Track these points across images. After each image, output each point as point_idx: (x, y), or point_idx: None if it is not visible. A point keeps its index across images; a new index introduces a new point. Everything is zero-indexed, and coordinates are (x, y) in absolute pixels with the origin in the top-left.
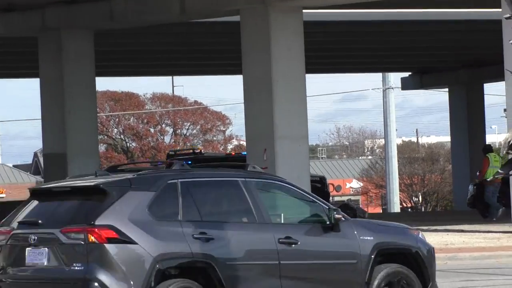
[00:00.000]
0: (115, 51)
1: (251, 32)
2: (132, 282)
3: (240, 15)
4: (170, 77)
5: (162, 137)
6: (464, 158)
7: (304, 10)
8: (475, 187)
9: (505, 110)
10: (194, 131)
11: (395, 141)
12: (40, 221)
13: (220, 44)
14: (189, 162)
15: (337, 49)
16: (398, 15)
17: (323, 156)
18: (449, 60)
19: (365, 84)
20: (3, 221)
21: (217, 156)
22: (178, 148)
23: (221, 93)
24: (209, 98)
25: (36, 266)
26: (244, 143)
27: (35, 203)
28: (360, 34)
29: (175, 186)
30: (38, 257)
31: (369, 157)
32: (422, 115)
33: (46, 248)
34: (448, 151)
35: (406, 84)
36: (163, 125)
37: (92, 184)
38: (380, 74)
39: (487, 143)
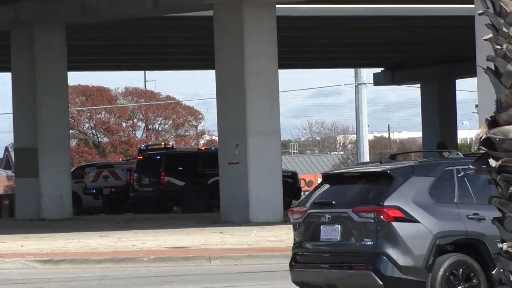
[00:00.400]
0: (87, 45)
1: (224, 27)
2: (415, 256)
3: (213, 9)
4: (143, 71)
5: (134, 132)
6: (435, 153)
7: (277, 5)
8: None
9: (476, 106)
10: (166, 126)
11: (367, 136)
12: (333, 202)
13: (193, 39)
14: (159, 157)
15: (310, 44)
16: (370, 10)
17: (295, 151)
18: (421, 56)
19: (339, 79)
20: (298, 202)
21: (189, 151)
22: (150, 143)
23: (194, 88)
24: (182, 93)
25: (330, 241)
26: (216, 138)
27: (326, 186)
28: (333, 30)
29: (451, 172)
30: (332, 233)
31: (341, 152)
32: (394, 110)
33: (339, 225)
34: (420, 147)
35: (378, 80)
36: (135, 120)
37: (380, 170)
38: (352, 70)
39: (440, 141)
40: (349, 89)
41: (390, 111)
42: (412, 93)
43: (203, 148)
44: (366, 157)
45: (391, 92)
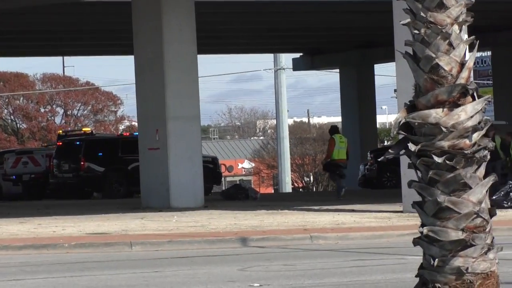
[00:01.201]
0: (3, 31)
1: (142, 12)
2: None
3: None
4: (61, 57)
5: (53, 118)
6: (355, 138)
7: None
8: (365, 167)
9: (395, 90)
10: (85, 111)
11: (287, 121)
12: None
13: (112, 25)
14: (79, 143)
15: (228, 29)
16: None
17: (215, 136)
18: (339, 41)
19: (260, 65)
20: None
21: (109, 136)
22: (69, 129)
23: (114, 74)
24: (101, 78)
25: None
26: (136, 124)
27: None
28: (251, 15)
29: None
30: None
31: (261, 137)
32: (314, 95)
33: None
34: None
35: (297, 65)
36: (53, 106)
37: None
38: (272, 55)
39: (333, 124)
40: (270, 75)
41: (311, 96)
42: (332, 77)
43: (127, 134)
44: (286, 142)
45: (311, 77)
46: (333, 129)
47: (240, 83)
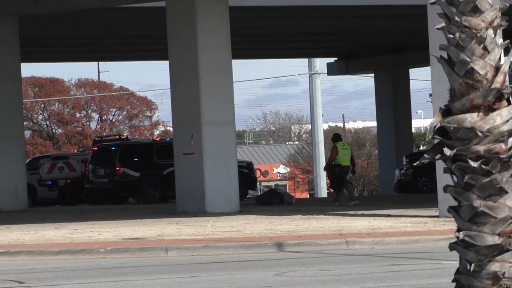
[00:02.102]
0: (39, 37)
1: (176, 17)
2: None
3: (165, 0)
4: (96, 63)
5: (88, 123)
6: (390, 143)
7: None
8: (401, 171)
9: (430, 95)
10: (120, 117)
11: (322, 126)
12: None
13: (146, 30)
14: (114, 148)
15: (263, 34)
16: (322, 0)
17: (250, 141)
18: (374, 45)
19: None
20: None
21: (144, 142)
22: (104, 134)
23: (148, 79)
24: (136, 84)
25: None
26: (171, 129)
27: None
28: (286, 19)
29: None
30: None
31: (296, 142)
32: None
33: None
34: (375, 136)
35: (332, 70)
36: (89, 111)
37: None
38: (305, 60)
39: (335, 132)
40: (306, 79)
41: (346, 101)
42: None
43: (158, 139)
44: (321, 147)
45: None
46: (336, 137)
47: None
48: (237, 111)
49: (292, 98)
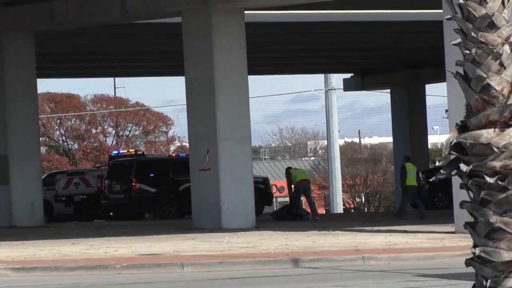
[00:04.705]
0: (56, 53)
1: (192, 33)
2: None
3: (181, 16)
4: (112, 78)
5: (104, 138)
6: None
7: (245, 12)
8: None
9: (446, 110)
10: (137, 132)
11: (338, 142)
12: None
13: (162, 46)
14: (130, 163)
15: (279, 50)
16: (337, 16)
17: (266, 157)
18: (390, 61)
19: (312, 85)
20: None
21: (160, 157)
22: (120, 149)
23: (164, 94)
24: (153, 100)
25: None
26: (187, 144)
27: None
28: (301, 35)
29: None
30: None
31: (312, 158)
32: (368, 116)
33: None
34: (391, 152)
35: (348, 85)
36: (105, 127)
37: None
38: (322, 76)
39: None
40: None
41: (363, 117)
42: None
43: (174, 155)
44: (337, 163)
45: (364, 97)
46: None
47: (297, 103)
48: (255, 127)
49: (312, 114)
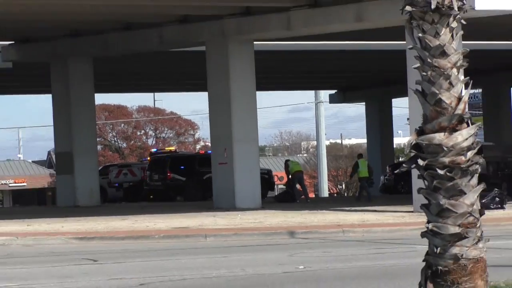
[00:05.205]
0: (109, 73)
1: (214, 58)
2: None
3: (206, 45)
4: (152, 93)
5: (146, 139)
6: (377, 155)
7: (255, 42)
8: (385, 177)
9: (408, 119)
10: (171, 134)
11: (325, 142)
12: None
13: (190, 68)
14: (166, 158)
15: (280, 71)
16: (325, 46)
17: (270, 154)
18: (365, 80)
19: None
20: None
21: (189, 154)
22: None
23: (192, 105)
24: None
25: None
26: (209, 144)
27: None
28: (297, 60)
29: None
30: None
31: (305, 154)
32: (347, 122)
33: None
34: (365, 150)
35: (333, 99)
36: (147, 130)
37: None
38: (313, 91)
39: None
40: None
41: (344, 123)
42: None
43: (202, 152)
44: (324, 159)
45: (348, 108)
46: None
47: (293, 113)
48: (261, 131)
49: (305, 121)
